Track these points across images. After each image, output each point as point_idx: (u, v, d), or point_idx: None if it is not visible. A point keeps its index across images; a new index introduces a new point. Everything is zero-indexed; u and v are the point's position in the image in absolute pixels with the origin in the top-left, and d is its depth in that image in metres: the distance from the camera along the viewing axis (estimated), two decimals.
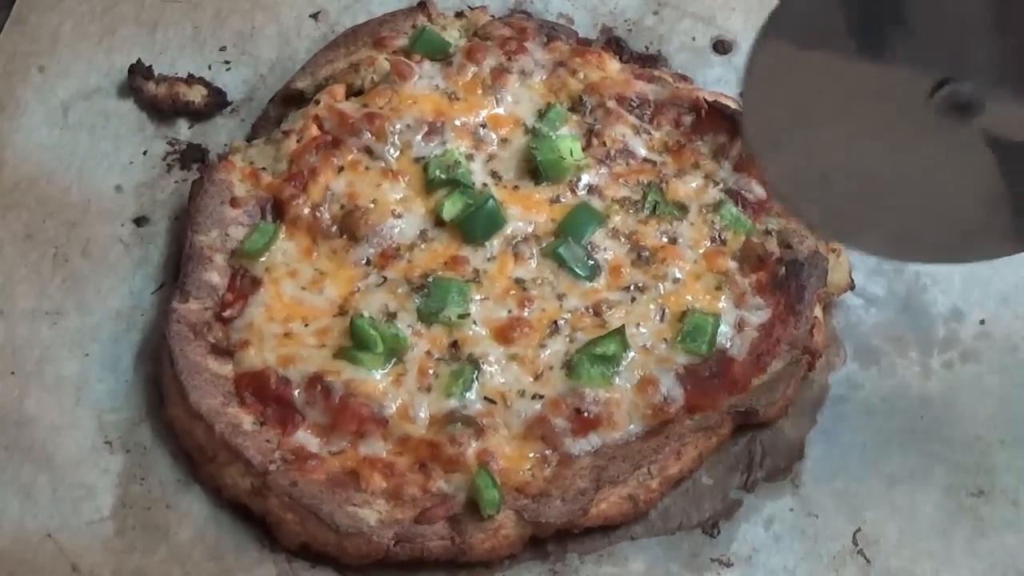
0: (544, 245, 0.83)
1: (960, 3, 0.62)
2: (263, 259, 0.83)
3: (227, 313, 0.81)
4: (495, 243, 0.84)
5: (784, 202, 0.74)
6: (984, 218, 0.69)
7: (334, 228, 0.84)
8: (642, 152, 0.89)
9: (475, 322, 0.80)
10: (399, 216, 0.84)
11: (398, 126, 0.87)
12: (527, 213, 0.85)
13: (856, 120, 0.66)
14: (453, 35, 0.94)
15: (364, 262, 0.83)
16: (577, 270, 0.82)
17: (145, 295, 0.85)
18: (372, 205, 0.84)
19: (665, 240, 0.84)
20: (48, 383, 0.81)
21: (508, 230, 0.84)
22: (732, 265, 0.84)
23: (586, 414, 0.77)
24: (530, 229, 0.84)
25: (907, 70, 0.63)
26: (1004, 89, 0.63)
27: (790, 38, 0.63)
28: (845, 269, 0.85)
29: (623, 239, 0.84)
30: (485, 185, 0.86)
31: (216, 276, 0.82)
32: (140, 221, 0.89)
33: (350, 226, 0.84)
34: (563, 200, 0.86)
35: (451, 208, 0.84)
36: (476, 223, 0.84)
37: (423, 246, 0.84)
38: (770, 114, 0.66)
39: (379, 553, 0.73)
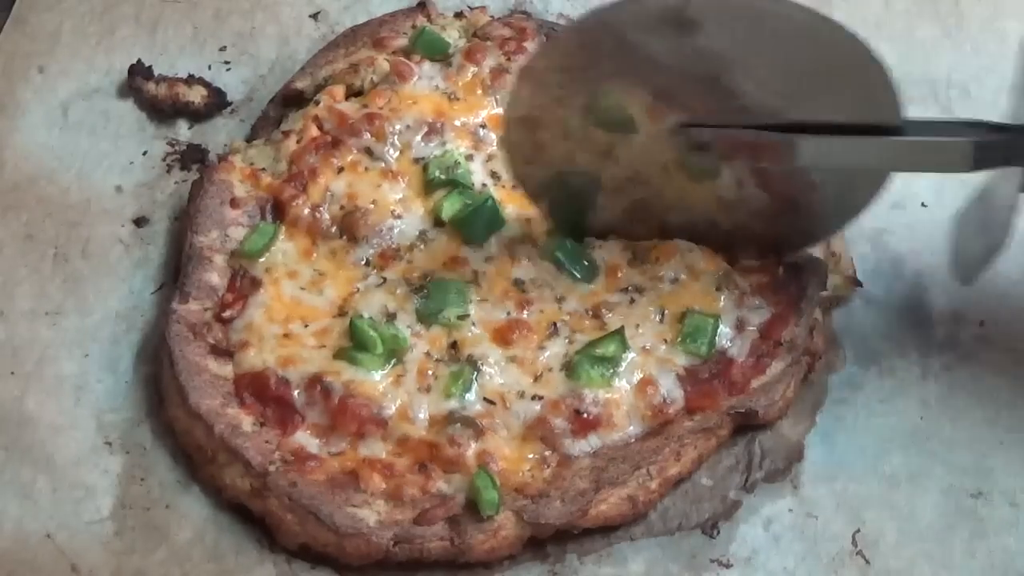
0: (542, 245, 0.83)
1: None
2: (263, 260, 0.83)
3: (227, 314, 0.81)
4: (494, 244, 0.84)
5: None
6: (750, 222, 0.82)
7: (334, 229, 0.84)
8: None
9: (474, 323, 0.80)
10: (399, 217, 0.84)
11: (398, 126, 0.87)
12: (526, 214, 0.85)
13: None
14: (453, 35, 0.94)
15: (363, 263, 0.83)
16: (575, 272, 0.82)
17: (145, 295, 0.85)
18: (372, 206, 0.84)
19: (664, 241, 0.84)
20: (48, 383, 0.81)
21: (506, 231, 0.84)
22: (731, 265, 0.84)
23: (585, 415, 0.77)
24: (529, 230, 0.84)
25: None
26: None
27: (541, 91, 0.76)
28: (846, 272, 0.85)
29: (622, 240, 0.84)
30: (484, 186, 0.86)
31: (216, 277, 0.82)
32: (140, 221, 0.89)
33: (350, 227, 0.84)
34: None
35: (450, 208, 0.84)
36: (476, 223, 0.84)
37: (422, 247, 0.84)
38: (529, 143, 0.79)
39: (378, 554, 0.73)
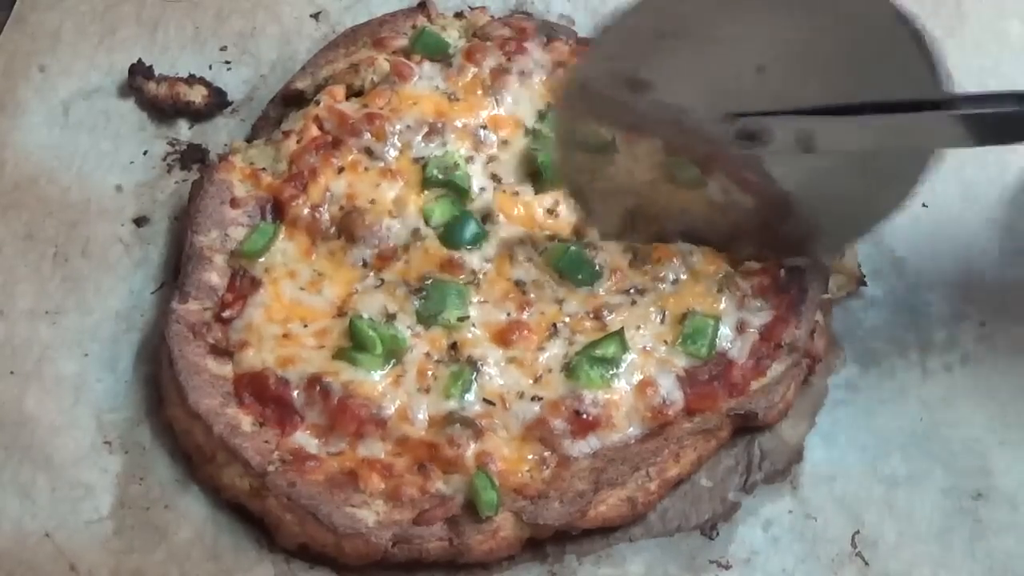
0: (543, 251, 0.83)
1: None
2: (262, 260, 0.82)
3: (226, 314, 0.81)
4: (493, 246, 0.83)
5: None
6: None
7: (332, 229, 0.84)
8: None
9: (474, 324, 0.80)
10: (395, 217, 0.84)
11: (398, 127, 0.87)
12: (526, 218, 0.85)
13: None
14: (453, 35, 0.94)
15: (361, 264, 0.83)
16: (577, 276, 0.82)
17: (145, 295, 0.85)
18: (370, 205, 0.84)
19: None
20: (47, 383, 0.81)
21: (505, 234, 0.84)
22: (732, 267, 0.84)
23: (585, 416, 0.77)
24: (528, 233, 0.84)
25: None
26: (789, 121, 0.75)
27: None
28: (849, 271, 0.85)
29: (624, 242, 0.84)
30: (483, 189, 0.86)
31: (216, 276, 0.82)
32: (140, 221, 0.89)
33: (347, 227, 0.84)
34: (563, 205, 0.86)
35: (440, 215, 0.85)
36: (458, 233, 0.84)
37: (418, 244, 0.83)
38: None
39: (377, 554, 0.73)
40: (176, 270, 0.84)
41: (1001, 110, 0.72)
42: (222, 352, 0.79)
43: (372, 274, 0.82)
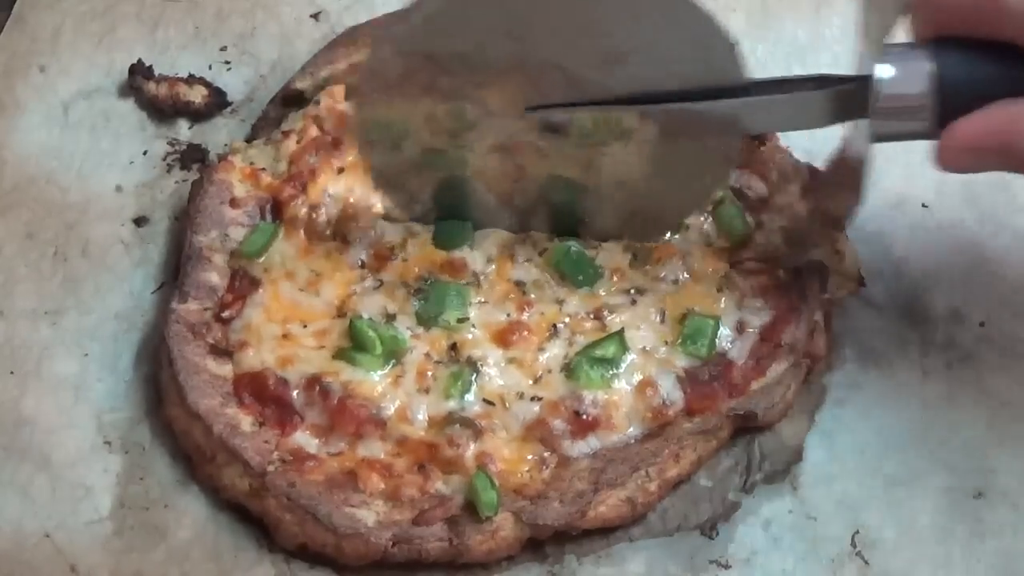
0: (543, 251, 0.83)
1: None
2: (261, 260, 0.82)
3: (226, 314, 0.81)
4: (492, 246, 0.83)
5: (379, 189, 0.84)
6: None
7: (328, 231, 0.84)
8: None
9: (474, 325, 0.80)
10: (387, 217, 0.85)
11: None
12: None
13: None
14: None
15: (359, 265, 0.83)
16: (577, 277, 0.82)
17: (145, 295, 0.85)
18: (365, 204, 0.84)
19: (665, 242, 0.84)
20: (47, 383, 0.81)
21: (502, 236, 0.84)
22: (732, 267, 0.84)
23: (585, 416, 0.77)
24: (526, 234, 0.84)
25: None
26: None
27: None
28: (848, 271, 0.85)
29: (623, 242, 0.84)
30: None
31: (215, 277, 0.82)
32: (140, 221, 0.89)
33: (342, 228, 0.84)
34: None
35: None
36: (446, 233, 0.84)
37: (412, 241, 0.83)
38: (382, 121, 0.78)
39: (377, 554, 0.73)
40: (176, 270, 0.84)
41: (799, 93, 0.73)
42: (222, 352, 0.79)
43: (370, 276, 0.82)
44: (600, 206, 0.83)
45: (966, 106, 0.68)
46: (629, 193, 0.81)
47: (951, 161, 0.70)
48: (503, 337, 0.79)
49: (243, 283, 0.82)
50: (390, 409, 0.76)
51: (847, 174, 0.77)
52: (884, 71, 0.69)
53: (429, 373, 0.78)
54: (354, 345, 0.78)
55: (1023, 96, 0.67)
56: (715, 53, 0.73)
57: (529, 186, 0.82)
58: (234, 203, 0.85)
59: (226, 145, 0.92)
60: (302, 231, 0.84)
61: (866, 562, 0.75)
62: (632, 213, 0.83)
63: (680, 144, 0.78)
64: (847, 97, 0.72)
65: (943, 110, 0.69)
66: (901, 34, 0.72)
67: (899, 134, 0.72)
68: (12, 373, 0.81)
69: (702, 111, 0.75)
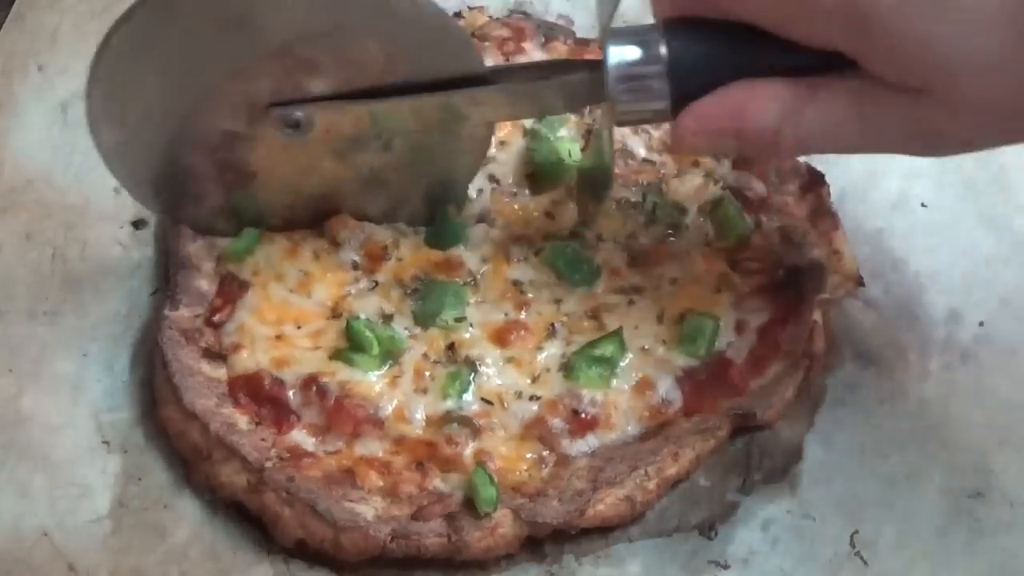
0: (540, 250, 0.83)
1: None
2: (248, 262, 0.82)
3: (217, 318, 0.80)
4: (489, 246, 0.83)
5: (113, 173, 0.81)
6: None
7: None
8: (641, 152, 0.89)
9: (472, 325, 0.80)
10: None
11: None
12: (524, 219, 0.85)
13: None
14: None
15: (352, 266, 0.83)
16: (575, 277, 0.82)
17: (143, 296, 0.85)
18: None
19: (664, 241, 0.84)
20: (45, 382, 0.81)
21: (502, 233, 0.84)
22: (731, 267, 0.84)
23: (583, 415, 0.77)
24: (526, 232, 0.84)
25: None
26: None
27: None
28: (847, 271, 0.85)
29: (622, 241, 0.84)
30: (481, 191, 0.86)
31: (205, 283, 0.82)
32: (138, 224, 0.89)
33: (331, 231, 0.83)
34: (561, 206, 0.86)
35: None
36: (439, 233, 0.84)
37: (404, 241, 0.83)
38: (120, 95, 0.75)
39: (376, 548, 0.72)
40: (168, 275, 0.84)
41: (539, 82, 0.74)
42: (216, 356, 0.79)
43: (365, 276, 0.82)
44: (392, 187, 0.83)
45: (701, 88, 0.67)
46: (381, 182, 0.82)
47: (687, 144, 0.69)
48: (501, 336, 0.79)
49: (232, 287, 0.82)
50: (388, 409, 0.76)
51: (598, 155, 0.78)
52: (617, 54, 0.68)
53: (427, 373, 0.78)
54: (351, 345, 0.78)
55: (756, 77, 0.67)
56: (450, 47, 0.74)
57: (314, 180, 0.82)
58: None
59: None
60: (282, 233, 0.84)
61: (865, 562, 0.75)
62: (387, 202, 0.83)
63: (431, 137, 0.78)
64: (587, 82, 0.72)
65: (678, 93, 0.68)
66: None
67: (639, 118, 0.72)
68: (10, 371, 0.81)
69: (441, 102, 0.75)
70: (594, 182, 0.82)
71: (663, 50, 0.68)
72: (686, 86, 0.68)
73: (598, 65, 0.70)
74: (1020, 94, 0.60)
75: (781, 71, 0.66)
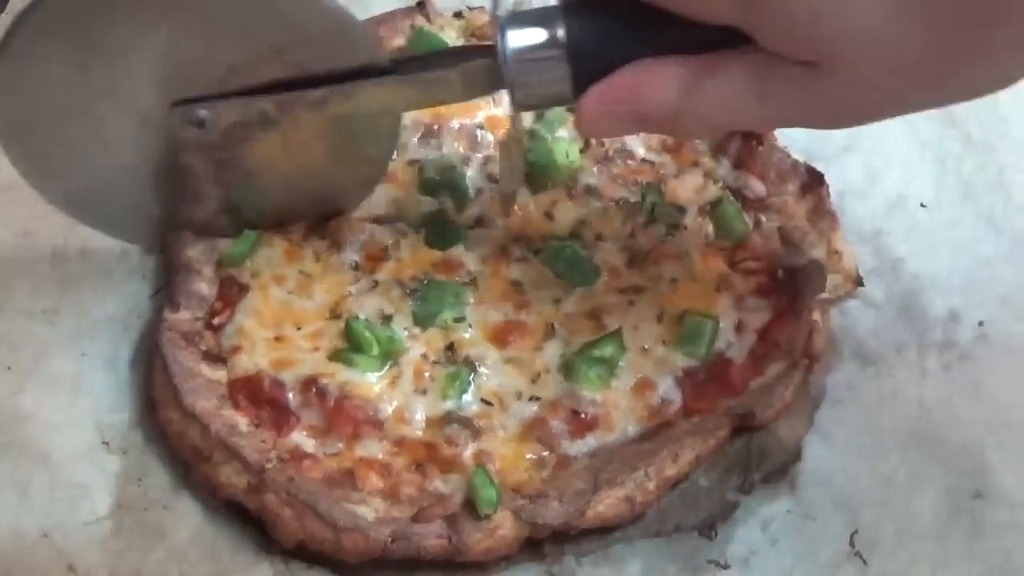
0: (539, 250, 0.83)
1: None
2: (247, 265, 0.82)
3: (216, 321, 0.80)
4: (487, 246, 0.83)
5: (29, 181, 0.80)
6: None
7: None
8: (640, 152, 0.89)
9: (471, 325, 0.80)
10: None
11: None
12: (523, 219, 0.85)
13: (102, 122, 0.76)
14: (451, 35, 0.94)
15: (352, 266, 0.83)
16: (574, 276, 0.82)
17: (142, 297, 0.85)
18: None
19: (663, 241, 0.84)
20: (45, 381, 0.81)
21: (501, 231, 0.84)
22: (731, 267, 0.84)
23: (583, 416, 0.77)
24: (524, 231, 0.84)
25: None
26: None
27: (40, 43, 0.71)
28: (847, 271, 0.85)
29: (621, 241, 0.84)
30: (480, 190, 0.86)
31: (204, 286, 0.82)
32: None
33: (332, 231, 0.83)
34: (559, 206, 0.86)
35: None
36: (438, 235, 0.84)
37: (404, 241, 0.83)
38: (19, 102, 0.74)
39: (376, 550, 0.72)
40: (168, 278, 0.84)
41: (438, 71, 0.73)
42: (215, 359, 0.79)
43: (365, 277, 0.82)
44: (277, 192, 0.82)
45: (602, 70, 0.66)
46: (302, 175, 0.81)
47: (589, 127, 0.69)
48: (500, 337, 0.79)
49: (232, 290, 0.82)
50: (387, 410, 0.76)
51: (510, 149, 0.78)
52: (516, 38, 0.67)
53: (426, 374, 0.78)
54: (350, 346, 0.78)
55: (656, 57, 0.66)
56: (349, 40, 0.73)
57: (233, 181, 0.81)
58: None
59: None
60: (283, 234, 0.84)
61: (865, 562, 0.75)
62: (312, 193, 0.83)
63: (342, 127, 0.78)
64: (487, 69, 0.71)
65: (579, 75, 0.67)
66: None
67: (542, 102, 0.70)
68: (9, 369, 0.81)
69: (344, 93, 0.74)
70: (511, 169, 0.81)
71: (561, 32, 0.66)
72: (586, 68, 0.67)
73: (492, 50, 0.69)
74: (907, 64, 0.60)
75: (682, 49, 0.65)
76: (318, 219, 0.84)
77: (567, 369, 0.78)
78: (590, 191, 0.86)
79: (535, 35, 0.67)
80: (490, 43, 0.69)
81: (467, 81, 0.72)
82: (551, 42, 0.67)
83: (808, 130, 0.75)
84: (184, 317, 0.80)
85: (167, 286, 0.83)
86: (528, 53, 0.67)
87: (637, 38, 0.66)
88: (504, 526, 0.73)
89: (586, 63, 0.66)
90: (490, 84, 0.71)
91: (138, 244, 0.86)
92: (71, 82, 0.74)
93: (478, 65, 0.71)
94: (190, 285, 0.82)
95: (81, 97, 0.75)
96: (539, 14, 0.68)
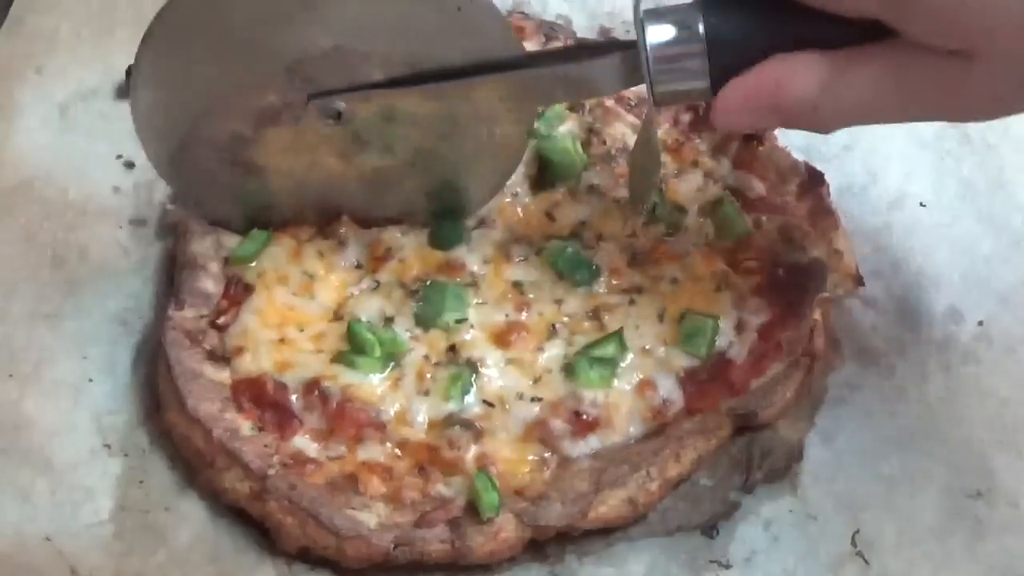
0: (541, 250, 0.83)
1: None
2: (254, 265, 0.82)
3: (221, 320, 0.80)
4: (488, 246, 0.83)
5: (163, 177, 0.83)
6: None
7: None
8: None
9: (472, 326, 0.80)
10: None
11: None
12: (523, 219, 0.85)
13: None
14: None
15: (355, 266, 0.83)
16: (576, 277, 0.82)
17: (143, 298, 0.85)
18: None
19: (664, 241, 0.84)
20: (46, 385, 0.81)
21: (500, 231, 0.84)
22: (731, 267, 0.84)
23: (585, 416, 0.77)
24: (524, 231, 0.84)
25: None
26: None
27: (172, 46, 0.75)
28: (847, 270, 0.85)
29: (622, 241, 0.84)
30: None
31: (211, 284, 0.82)
32: (138, 223, 0.89)
33: (336, 231, 0.83)
34: (560, 206, 0.86)
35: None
36: (441, 234, 0.84)
37: (408, 241, 0.83)
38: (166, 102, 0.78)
39: (379, 556, 0.72)
40: (172, 275, 0.84)
41: (583, 63, 0.73)
42: (219, 359, 0.79)
43: (367, 277, 0.82)
44: (400, 189, 0.83)
45: (740, 64, 0.67)
46: (426, 175, 0.82)
47: (727, 121, 0.69)
48: (502, 338, 0.79)
49: (237, 289, 0.82)
50: (390, 412, 0.76)
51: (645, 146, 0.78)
52: (656, 33, 0.68)
53: (428, 375, 0.78)
54: (352, 348, 0.78)
55: (794, 51, 0.66)
56: (488, 30, 0.73)
57: (321, 177, 0.82)
58: None
59: None
60: (289, 233, 0.84)
61: (866, 561, 0.75)
62: (432, 195, 0.83)
63: (468, 130, 0.78)
64: (623, 64, 0.71)
65: (717, 69, 0.68)
66: None
67: (681, 96, 0.71)
68: (11, 376, 0.81)
69: (483, 85, 0.74)
70: (644, 170, 0.81)
71: (701, 28, 0.67)
72: (724, 63, 0.67)
73: (631, 46, 0.69)
74: None
75: (819, 44, 0.66)
76: (431, 219, 0.84)
77: (569, 369, 0.78)
78: (592, 190, 0.86)
79: (675, 31, 0.68)
80: (625, 40, 0.70)
81: (618, 72, 0.72)
82: (691, 38, 0.67)
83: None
84: (188, 315, 0.80)
85: (172, 282, 0.83)
86: (668, 48, 0.68)
87: (776, 33, 0.67)
88: (507, 529, 0.73)
89: (724, 58, 0.67)
90: (629, 79, 0.72)
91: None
92: (205, 75, 0.75)
93: (615, 60, 0.71)
94: (196, 282, 0.81)
95: (215, 89, 0.76)
96: (678, 10, 0.68)
